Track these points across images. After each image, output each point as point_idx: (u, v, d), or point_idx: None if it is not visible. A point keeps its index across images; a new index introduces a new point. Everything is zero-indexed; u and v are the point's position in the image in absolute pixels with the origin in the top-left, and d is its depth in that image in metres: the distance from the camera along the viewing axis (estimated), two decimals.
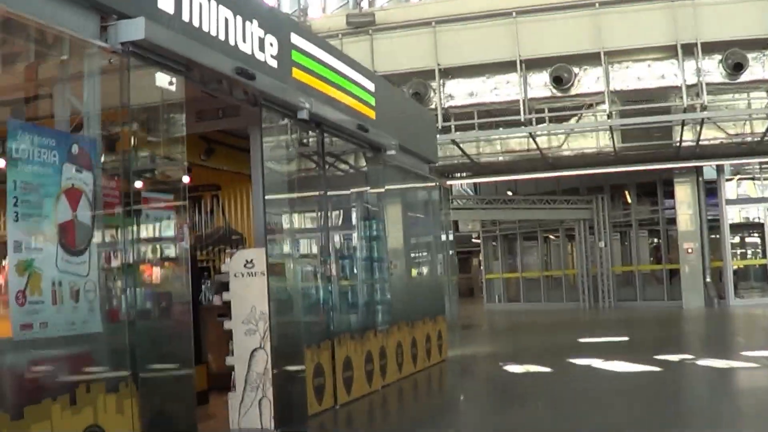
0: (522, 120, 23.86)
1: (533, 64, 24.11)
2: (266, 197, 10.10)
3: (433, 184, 18.66)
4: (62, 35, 7.16)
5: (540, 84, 24.29)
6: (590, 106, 26.26)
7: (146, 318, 7.87)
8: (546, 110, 25.46)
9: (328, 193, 11.97)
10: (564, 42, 23.80)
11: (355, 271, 13.10)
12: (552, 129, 26.40)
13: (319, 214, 11.91)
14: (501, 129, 26.17)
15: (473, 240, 46.38)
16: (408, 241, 16.38)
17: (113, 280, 7.45)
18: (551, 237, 39.58)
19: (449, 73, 25.10)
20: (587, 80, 24.07)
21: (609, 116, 24.28)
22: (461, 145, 27.46)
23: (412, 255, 16.54)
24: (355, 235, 13.50)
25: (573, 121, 28.08)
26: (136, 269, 7.66)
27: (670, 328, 24.23)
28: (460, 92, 25.04)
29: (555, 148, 28.08)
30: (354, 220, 13.67)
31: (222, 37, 9.16)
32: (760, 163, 30.54)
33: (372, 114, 13.72)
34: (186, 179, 13.19)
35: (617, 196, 35.85)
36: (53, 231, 6.64)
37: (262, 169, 10.16)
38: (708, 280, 30.95)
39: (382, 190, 14.18)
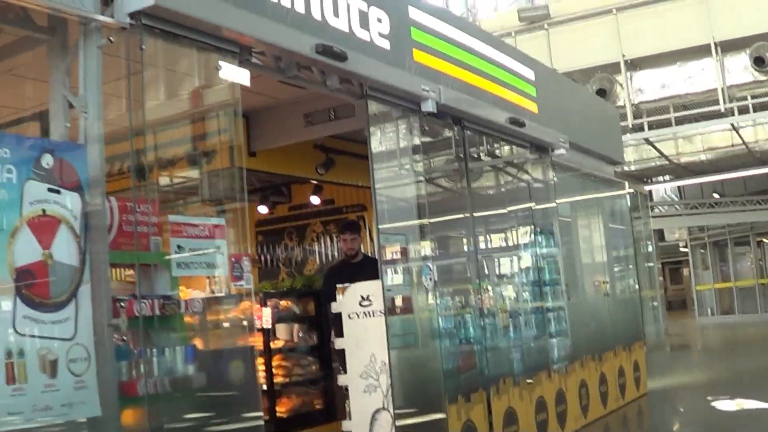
0: (722, 110, 20.85)
1: (730, 46, 21.05)
2: (379, 210, 7.87)
3: (622, 189, 16.10)
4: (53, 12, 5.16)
5: (739, 68, 21.21)
6: None
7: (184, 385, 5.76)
8: (749, 98, 22.26)
9: (476, 206, 9.70)
10: (764, 17, 20.71)
11: (522, 298, 10.75)
12: (757, 118, 23.06)
13: (465, 231, 9.67)
14: (699, 123, 23.08)
15: (681, 249, 42.89)
16: (592, 257, 13.91)
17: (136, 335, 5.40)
18: (765, 241, 36.09)
19: (636, 64, 22.31)
20: None
21: None
22: (657, 145, 24.68)
23: (597, 273, 13.98)
24: (518, 254, 11.17)
25: None
26: (172, 319, 5.61)
27: None
28: (649, 85, 22.18)
29: (763, 140, 24.93)
30: (516, 238, 11.34)
31: (300, 9, 6.98)
32: None
33: (533, 106, 11.37)
34: (316, 200, 11.25)
35: None
36: (6, 278, 4.60)
37: (373, 180, 7.93)
38: None
39: (550, 198, 11.79)
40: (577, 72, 21.69)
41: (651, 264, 26.51)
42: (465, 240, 9.86)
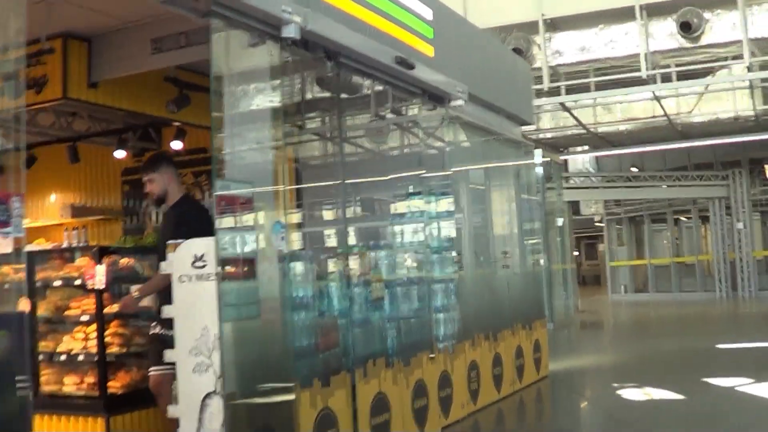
0: (644, 77, 19.58)
1: (655, 10, 19.79)
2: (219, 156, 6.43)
3: (532, 153, 14.82)
4: None
5: (665, 34, 19.96)
6: (724, 60, 21.93)
7: None
8: (672, 66, 21.00)
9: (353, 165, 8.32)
10: None
11: (401, 267, 9.37)
12: (680, 88, 21.83)
13: (335, 190, 8.27)
14: (619, 89, 21.77)
15: (597, 223, 41.84)
16: (490, 226, 12.59)
17: None
18: (682, 219, 35.41)
19: (556, 25, 20.97)
20: (721, 27, 19.69)
21: (749, 69, 19.80)
22: (575, 113, 23.48)
23: (497, 244, 12.64)
24: (403, 218, 9.79)
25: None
26: None
27: None
28: (569, 47, 20.83)
29: (684, 113, 23.86)
30: (400, 197, 9.96)
31: None
32: None
33: (428, 49, 9.97)
34: (177, 145, 9.82)
35: (757, 170, 31.47)
36: None
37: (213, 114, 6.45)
38: None
39: (444, 158, 10.45)
40: (492, 30, 20.32)
41: (563, 238, 25.34)
42: (334, 200, 8.47)
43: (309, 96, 9.38)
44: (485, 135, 12.35)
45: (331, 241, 9.13)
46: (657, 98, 21.94)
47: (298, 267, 7.28)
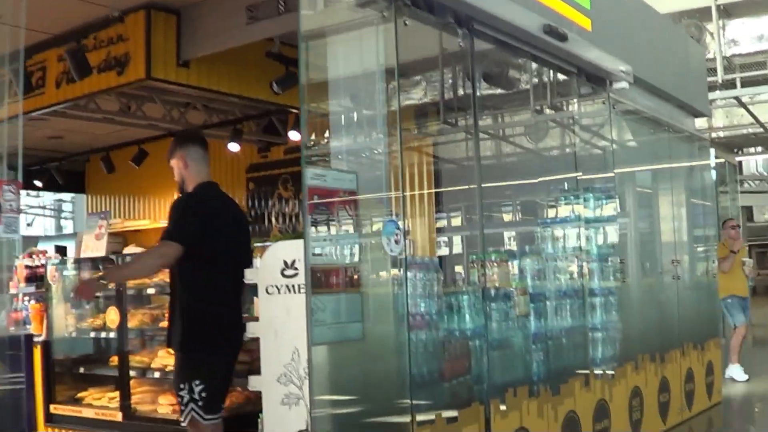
0: None
1: None
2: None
3: (706, 151, 13.15)
4: None
5: None
6: None
7: None
8: None
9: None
10: None
11: (552, 276, 7.89)
12: None
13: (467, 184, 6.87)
14: None
15: None
16: (658, 232, 11.01)
17: None
18: None
19: (730, 11, 19.10)
20: None
21: None
22: (751, 108, 21.49)
23: (665, 252, 11.02)
24: (554, 222, 8.36)
25: None
26: None
27: None
28: (745, 35, 18.98)
29: None
30: (552, 200, 8.56)
31: None
32: None
33: (584, 21, 8.47)
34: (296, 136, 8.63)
35: None
36: None
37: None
38: None
39: (606, 155, 8.97)
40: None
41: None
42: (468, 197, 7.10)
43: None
44: (653, 127, 10.78)
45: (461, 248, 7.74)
46: None
47: (419, 276, 5.88)
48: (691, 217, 12.09)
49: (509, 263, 7.29)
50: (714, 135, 23.23)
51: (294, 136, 9.94)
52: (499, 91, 8.99)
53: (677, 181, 11.74)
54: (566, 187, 8.52)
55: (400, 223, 5.42)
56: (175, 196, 6.75)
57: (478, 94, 7.08)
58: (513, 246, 9.19)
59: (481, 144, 7.87)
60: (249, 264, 6.28)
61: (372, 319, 5.35)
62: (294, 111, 9.56)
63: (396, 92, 5.59)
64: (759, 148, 26.64)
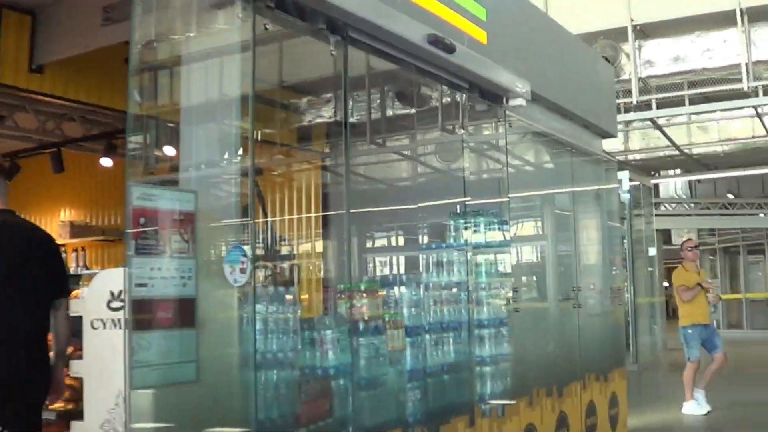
0: (745, 89, 17.27)
1: (759, 14, 17.50)
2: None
3: (614, 170, 12.70)
4: None
5: None
6: None
7: None
8: None
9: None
10: None
11: (431, 307, 7.29)
12: None
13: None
14: (717, 102, 19.33)
15: None
16: (557, 258, 10.52)
17: None
18: None
19: (647, 32, 18.75)
20: None
21: None
22: (667, 131, 21.20)
23: (568, 278, 10.51)
24: (438, 248, 7.81)
25: None
26: None
27: None
28: (661, 56, 18.65)
29: None
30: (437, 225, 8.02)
31: None
32: None
33: (479, 35, 7.93)
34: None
35: None
36: None
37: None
38: None
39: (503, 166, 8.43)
40: (579, 37, 18.15)
41: (652, 269, 23.03)
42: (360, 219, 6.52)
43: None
44: (557, 147, 10.29)
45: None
46: (759, 115, 19.54)
47: (271, 309, 5.24)
48: (597, 241, 11.63)
49: (388, 292, 6.70)
50: (630, 157, 22.94)
51: (169, 151, 9.24)
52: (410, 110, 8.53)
53: (584, 203, 11.27)
54: (459, 211, 7.98)
55: (248, 250, 4.81)
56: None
57: (350, 108, 6.48)
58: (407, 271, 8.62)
59: (396, 165, 7.33)
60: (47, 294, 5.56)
61: (211, 359, 4.71)
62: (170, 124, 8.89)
63: (249, 103, 5.00)
64: (678, 171, 26.45)
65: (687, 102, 18.66)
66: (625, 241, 20.03)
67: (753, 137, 21.65)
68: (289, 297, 5.38)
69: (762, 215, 28.36)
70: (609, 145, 22.71)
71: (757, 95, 17.65)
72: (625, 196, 19.66)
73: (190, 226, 4.63)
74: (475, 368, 7.60)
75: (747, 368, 21.01)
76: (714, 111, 20.62)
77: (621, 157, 22.64)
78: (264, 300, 5.12)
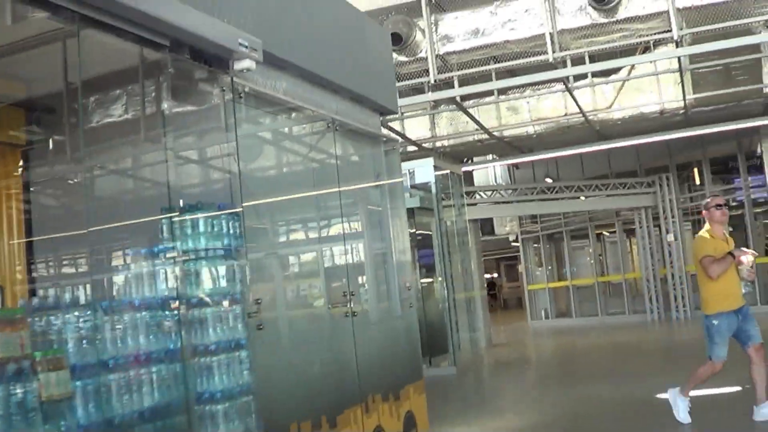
0: (551, 60, 15.83)
1: None
2: None
3: (396, 151, 10.96)
4: None
5: (573, 8, 16.39)
6: (645, 49, 18.30)
7: None
8: (586, 55, 17.21)
9: None
10: None
11: (116, 340, 5.42)
12: (595, 68, 17.84)
13: None
14: (523, 77, 17.86)
15: (513, 243, 37.86)
16: (324, 255, 8.76)
17: None
18: (605, 234, 31.93)
19: (442, 5, 17.22)
20: None
21: (677, 45, 16.06)
22: (476, 115, 19.83)
23: (337, 282, 8.73)
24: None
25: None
26: None
27: None
28: (460, 31, 17.12)
29: (602, 109, 20.30)
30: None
31: None
32: None
33: None
34: None
35: (685, 175, 28.11)
36: None
37: None
38: None
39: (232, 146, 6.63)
40: (370, 12, 16.41)
41: (467, 262, 21.57)
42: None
43: None
44: (317, 124, 8.55)
45: None
46: (569, 90, 18.23)
47: None
48: (378, 235, 9.95)
49: (47, 320, 4.83)
50: (439, 144, 21.47)
51: None
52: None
53: (355, 191, 9.55)
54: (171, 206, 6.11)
55: None
56: None
57: None
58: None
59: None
60: None
61: None
62: None
63: None
64: (490, 157, 25.15)
65: (494, 78, 17.18)
66: (437, 234, 18.52)
67: (566, 115, 20.45)
68: None
69: (583, 198, 27.29)
70: (415, 132, 21.29)
71: (564, 65, 16.27)
72: (431, 186, 18.20)
73: None
74: (195, 409, 5.76)
75: (578, 360, 19.75)
76: (521, 87, 19.40)
77: (428, 145, 21.17)
78: None
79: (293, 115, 8.12)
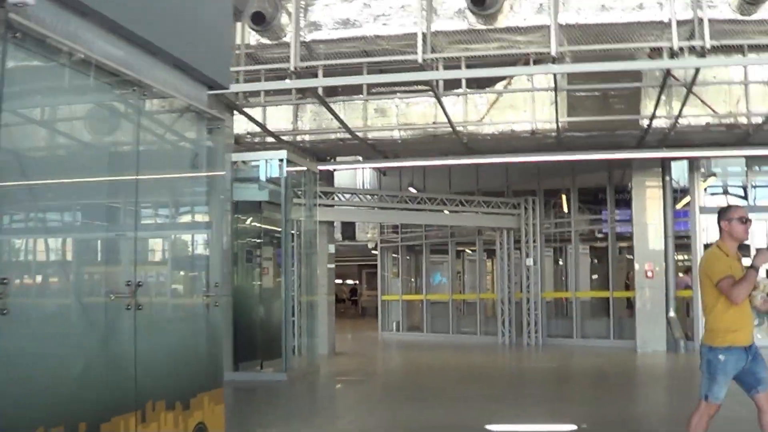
0: (420, 61, 14.89)
1: None
2: None
3: (221, 130, 9.83)
4: None
5: (451, 11, 15.54)
6: (526, 62, 17.50)
7: None
8: (462, 61, 16.34)
9: None
10: None
11: None
12: (467, 76, 16.93)
13: None
14: (391, 75, 16.88)
15: (373, 251, 36.99)
16: (112, 239, 7.65)
17: None
18: (467, 251, 31.25)
19: None
20: (525, 8, 15.43)
21: (553, 61, 15.23)
22: (340, 111, 18.88)
23: (124, 269, 7.59)
24: None
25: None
26: None
27: (646, 393, 15.67)
28: (329, 19, 16.18)
29: (473, 122, 19.50)
30: None
31: None
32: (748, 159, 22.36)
33: None
34: None
35: (552, 202, 27.60)
36: None
37: None
38: (672, 314, 22.82)
39: None
40: None
41: (311, 264, 20.52)
42: None
43: None
44: (123, 87, 7.43)
45: None
46: (437, 96, 17.33)
47: None
48: (194, 227, 8.88)
49: None
50: (300, 138, 20.43)
51: None
52: None
53: (164, 163, 8.45)
54: None
55: None
56: None
57: None
58: None
59: None
60: None
61: None
62: None
63: None
64: (359, 158, 24.22)
65: (365, 71, 16.23)
66: (283, 232, 17.50)
67: (434, 123, 19.60)
68: None
69: (447, 212, 26.53)
70: (276, 124, 20.20)
71: (433, 68, 15.39)
72: (280, 179, 17.17)
73: None
74: None
75: (418, 377, 18.88)
76: (388, 86, 18.55)
77: (289, 138, 20.13)
78: None
79: (91, 73, 6.96)
